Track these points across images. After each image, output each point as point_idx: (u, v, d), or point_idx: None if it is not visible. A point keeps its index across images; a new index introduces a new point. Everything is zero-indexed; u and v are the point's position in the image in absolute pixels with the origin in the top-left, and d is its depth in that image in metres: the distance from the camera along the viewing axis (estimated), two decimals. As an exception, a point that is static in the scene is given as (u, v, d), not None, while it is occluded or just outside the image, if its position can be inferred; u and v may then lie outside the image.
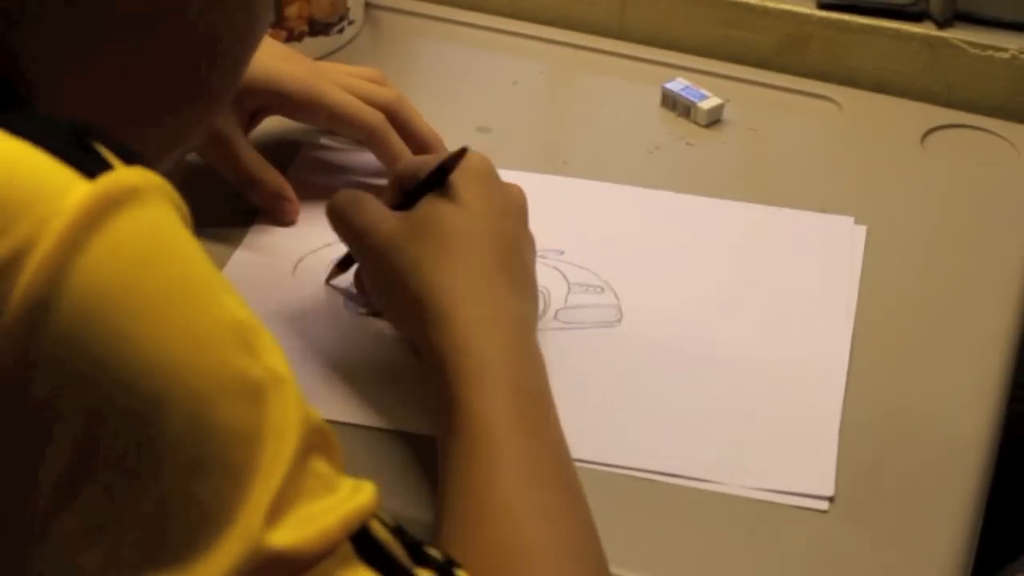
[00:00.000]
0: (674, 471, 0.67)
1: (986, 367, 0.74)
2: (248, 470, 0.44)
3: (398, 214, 0.69)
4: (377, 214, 0.69)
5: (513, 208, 0.71)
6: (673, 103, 0.95)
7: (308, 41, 0.98)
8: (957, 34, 0.97)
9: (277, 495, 0.44)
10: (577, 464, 0.63)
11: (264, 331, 0.47)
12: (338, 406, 0.69)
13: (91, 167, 0.43)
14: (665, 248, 0.82)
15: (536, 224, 0.82)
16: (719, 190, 0.88)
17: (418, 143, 0.84)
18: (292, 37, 0.97)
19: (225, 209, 0.83)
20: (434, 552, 0.50)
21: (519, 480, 0.57)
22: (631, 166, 0.89)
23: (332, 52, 1.00)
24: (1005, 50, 0.96)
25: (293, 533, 0.44)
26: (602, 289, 0.78)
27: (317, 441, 0.46)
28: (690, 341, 0.75)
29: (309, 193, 0.84)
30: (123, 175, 0.44)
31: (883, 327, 0.76)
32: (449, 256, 0.66)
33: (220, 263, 0.80)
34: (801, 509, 0.65)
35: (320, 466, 0.45)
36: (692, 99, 0.94)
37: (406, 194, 0.71)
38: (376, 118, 0.83)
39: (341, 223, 0.71)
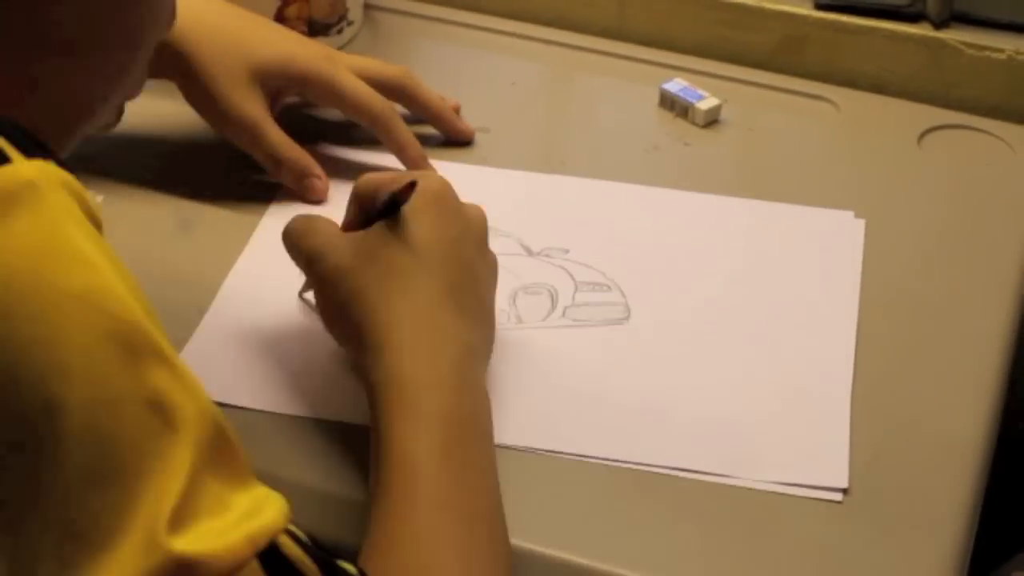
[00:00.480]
0: (688, 466, 0.67)
1: (983, 366, 0.75)
2: (145, 479, 0.43)
3: (349, 240, 0.67)
4: (328, 240, 0.68)
5: (471, 233, 0.68)
6: (671, 103, 0.95)
7: (307, 42, 0.98)
8: (954, 35, 0.97)
9: (178, 504, 0.43)
10: (590, 460, 0.65)
11: (163, 337, 0.46)
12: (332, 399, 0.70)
13: None
14: (669, 245, 0.82)
15: (541, 223, 0.82)
16: (717, 190, 0.88)
17: (431, 114, 0.88)
18: (291, 38, 0.97)
19: (243, 189, 0.85)
20: (349, 568, 0.50)
21: (434, 511, 0.57)
22: (629, 166, 0.90)
23: (331, 53, 1.00)
24: (1002, 51, 0.96)
25: (199, 543, 0.43)
26: (609, 287, 0.78)
27: (216, 452, 0.45)
28: (698, 336, 0.75)
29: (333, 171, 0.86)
30: (19, 170, 0.43)
31: (882, 327, 0.77)
32: (391, 285, 0.64)
33: (242, 240, 0.82)
34: (801, 507, 0.65)
35: (214, 484, 0.45)
36: (690, 99, 0.94)
37: (363, 218, 0.69)
38: (383, 106, 0.84)
39: (294, 248, 0.70)
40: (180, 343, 0.74)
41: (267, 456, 0.65)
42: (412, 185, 0.66)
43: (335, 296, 0.66)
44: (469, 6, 1.08)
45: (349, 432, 0.68)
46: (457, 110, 0.91)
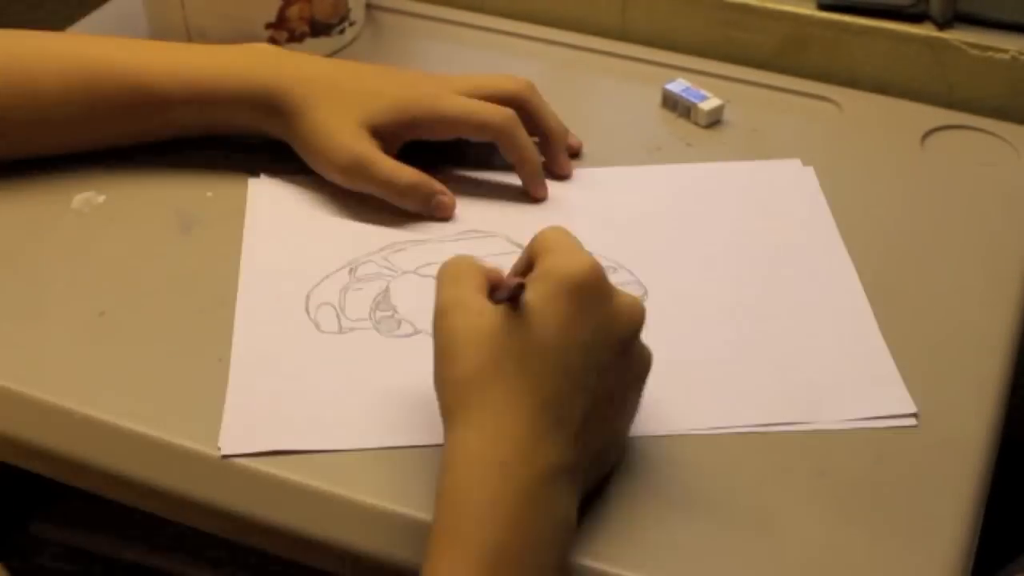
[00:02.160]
0: (760, 421, 0.69)
1: (987, 367, 0.74)
2: None
3: (473, 312, 0.60)
4: (458, 299, 0.61)
5: (613, 334, 0.60)
6: (674, 104, 0.95)
7: (309, 42, 0.98)
8: (957, 35, 0.97)
9: None
10: (659, 436, 0.67)
11: None
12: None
13: None
14: (646, 222, 0.84)
15: (529, 217, 0.83)
16: (719, 191, 0.88)
17: (542, 137, 0.86)
18: (293, 38, 0.97)
19: (244, 189, 0.84)
20: None
21: None
22: (631, 166, 0.89)
23: (333, 53, 1.00)
24: (1005, 51, 0.96)
25: None
26: (615, 269, 0.79)
27: None
28: (718, 300, 0.77)
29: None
30: None
31: (883, 327, 0.76)
32: (492, 384, 0.58)
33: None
34: (802, 508, 0.65)
35: None
36: (693, 100, 0.94)
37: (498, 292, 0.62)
38: (499, 116, 0.83)
39: (437, 292, 0.63)
40: (180, 343, 0.74)
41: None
42: (521, 286, 0.59)
43: (443, 373, 0.60)
44: (471, 6, 1.08)
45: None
46: (577, 149, 0.89)
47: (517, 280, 0.59)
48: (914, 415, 0.70)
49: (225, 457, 0.66)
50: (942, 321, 0.77)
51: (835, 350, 0.74)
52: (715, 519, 0.65)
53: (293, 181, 0.85)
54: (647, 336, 0.64)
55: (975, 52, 0.96)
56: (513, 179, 0.86)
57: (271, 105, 0.83)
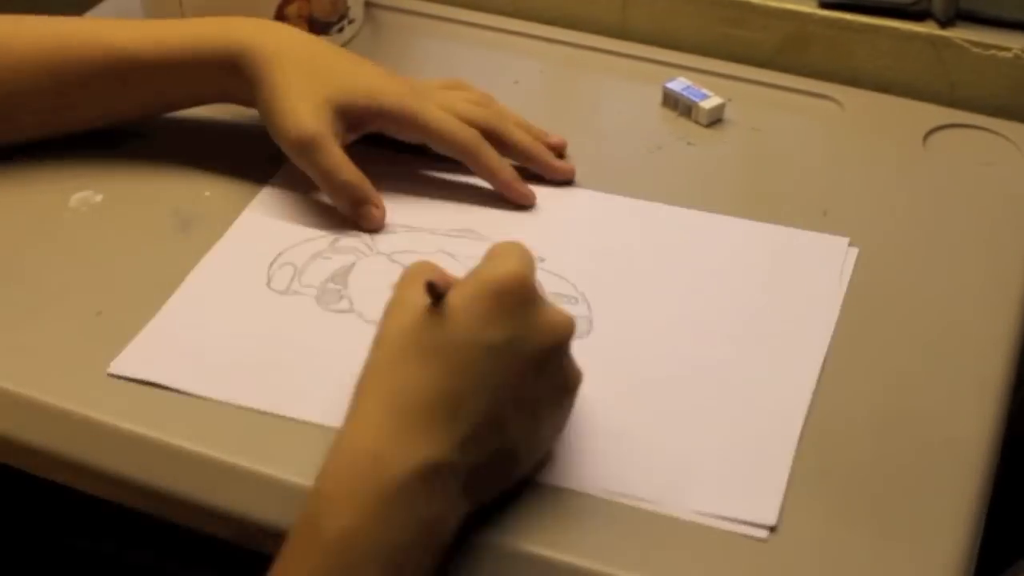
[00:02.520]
0: (624, 491, 0.65)
1: (988, 367, 0.74)
2: None
3: (411, 312, 0.60)
4: (407, 300, 0.61)
5: (526, 345, 0.60)
6: (674, 103, 0.95)
7: (308, 40, 0.98)
8: (960, 33, 0.97)
9: None
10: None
11: None
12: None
13: None
14: (644, 262, 0.80)
15: (518, 231, 0.82)
16: (720, 190, 0.88)
17: (523, 157, 0.86)
18: (292, 36, 0.97)
19: (244, 189, 0.85)
20: None
21: None
22: (632, 166, 0.89)
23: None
24: (1008, 49, 0.96)
25: None
26: (576, 300, 0.76)
27: None
28: (655, 357, 0.73)
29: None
30: None
31: (884, 327, 0.76)
32: (391, 376, 0.59)
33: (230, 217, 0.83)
34: (803, 509, 0.65)
35: None
36: (693, 98, 0.94)
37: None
38: (468, 136, 0.83)
39: (395, 289, 0.63)
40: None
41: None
42: (439, 296, 0.59)
43: (366, 360, 0.61)
44: (471, 4, 1.07)
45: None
46: (560, 147, 0.88)
47: (437, 294, 0.59)
48: (770, 528, 0.64)
49: (111, 375, 0.70)
50: (943, 320, 0.77)
51: (740, 439, 0.68)
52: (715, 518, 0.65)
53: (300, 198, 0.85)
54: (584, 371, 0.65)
55: (977, 50, 0.96)
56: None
57: (239, 66, 0.81)
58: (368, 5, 1.06)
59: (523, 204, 0.84)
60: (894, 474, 0.67)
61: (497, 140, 0.85)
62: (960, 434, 0.70)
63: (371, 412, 0.58)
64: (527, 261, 0.61)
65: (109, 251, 0.80)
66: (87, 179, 0.85)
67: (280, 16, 0.96)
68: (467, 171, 0.85)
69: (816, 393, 0.71)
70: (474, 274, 0.60)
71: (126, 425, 0.68)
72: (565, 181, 0.87)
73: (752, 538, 0.64)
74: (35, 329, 0.74)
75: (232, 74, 0.82)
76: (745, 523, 0.64)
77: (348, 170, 0.80)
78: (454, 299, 0.59)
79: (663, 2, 1.03)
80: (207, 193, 0.85)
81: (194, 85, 0.84)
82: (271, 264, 0.78)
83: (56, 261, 0.79)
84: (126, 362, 0.71)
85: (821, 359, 0.73)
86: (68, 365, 0.72)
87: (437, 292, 0.59)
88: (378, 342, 0.61)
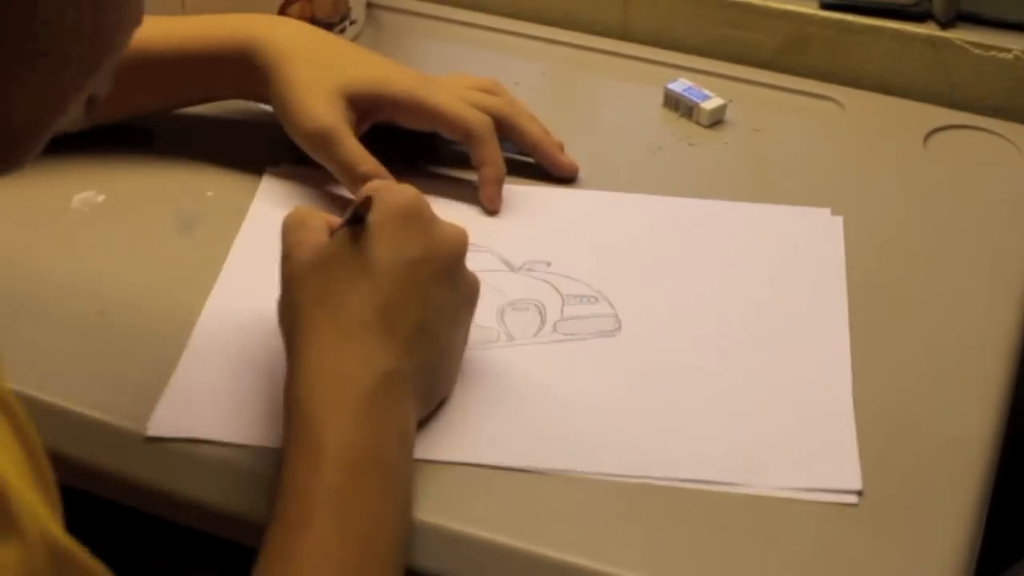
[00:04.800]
0: (698, 477, 0.66)
1: (989, 367, 0.74)
2: None
3: (314, 246, 0.65)
4: (303, 240, 0.66)
5: (435, 257, 0.65)
6: (676, 103, 0.95)
7: (310, 41, 0.98)
8: (960, 34, 0.97)
9: None
10: (596, 477, 0.65)
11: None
12: None
13: None
14: (651, 253, 0.81)
15: (519, 236, 0.82)
16: (721, 191, 0.88)
17: (530, 147, 0.86)
18: (294, 37, 0.97)
19: (244, 188, 0.85)
20: None
21: (323, 552, 0.56)
22: (633, 167, 0.89)
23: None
24: (1008, 50, 0.96)
25: None
26: (596, 299, 0.77)
27: None
28: (691, 345, 0.74)
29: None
30: None
31: (885, 327, 0.76)
32: (326, 302, 0.63)
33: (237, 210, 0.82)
34: (803, 510, 0.65)
35: None
36: (695, 99, 0.94)
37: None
38: (477, 121, 0.83)
39: (282, 240, 0.68)
40: (180, 343, 0.73)
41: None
42: (367, 201, 0.64)
43: (283, 302, 0.65)
44: (472, 5, 1.08)
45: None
46: (560, 147, 0.88)
47: (363, 198, 0.64)
48: (858, 492, 0.66)
49: (149, 440, 0.67)
50: (944, 321, 0.77)
51: (799, 413, 0.70)
52: (718, 521, 0.65)
53: (304, 176, 0.85)
54: (617, 371, 0.70)
55: (978, 51, 0.96)
56: (515, 198, 0.85)
57: (252, 61, 0.82)
58: (370, 6, 1.06)
59: (489, 208, 0.84)
60: (894, 473, 0.67)
61: (508, 129, 0.85)
62: (960, 434, 0.70)
63: (321, 338, 0.62)
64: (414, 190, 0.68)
65: (112, 251, 0.80)
66: (89, 179, 0.85)
67: (281, 16, 0.96)
68: (467, 186, 0.85)
69: (817, 393, 0.72)
70: (377, 202, 0.65)
71: (126, 425, 0.68)
72: (567, 179, 0.87)
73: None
74: (38, 328, 0.74)
75: (246, 71, 0.83)
76: (833, 491, 0.65)
77: (366, 160, 0.81)
78: (369, 224, 0.64)
79: (664, 3, 1.03)
80: (209, 193, 0.85)
81: (209, 83, 0.85)
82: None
83: (59, 261, 0.79)
84: (162, 421, 0.68)
85: (846, 321, 0.75)
86: (71, 365, 0.72)
87: (359, 216, 0.64)
88: (289, 284, 0.65)
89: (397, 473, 0.61)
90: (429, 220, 0.66)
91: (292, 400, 0.61)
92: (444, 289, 0.66)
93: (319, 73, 0.81)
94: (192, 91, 0.87)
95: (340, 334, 0.62)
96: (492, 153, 0.84)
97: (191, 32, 0.84)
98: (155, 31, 0.83)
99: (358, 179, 0.80)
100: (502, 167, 0.84)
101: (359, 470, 0.59)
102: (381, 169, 0.81)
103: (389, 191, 0.66)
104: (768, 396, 0.71)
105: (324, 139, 0.80)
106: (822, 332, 0.75)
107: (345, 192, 0.83)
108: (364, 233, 0.64)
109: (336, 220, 0.67)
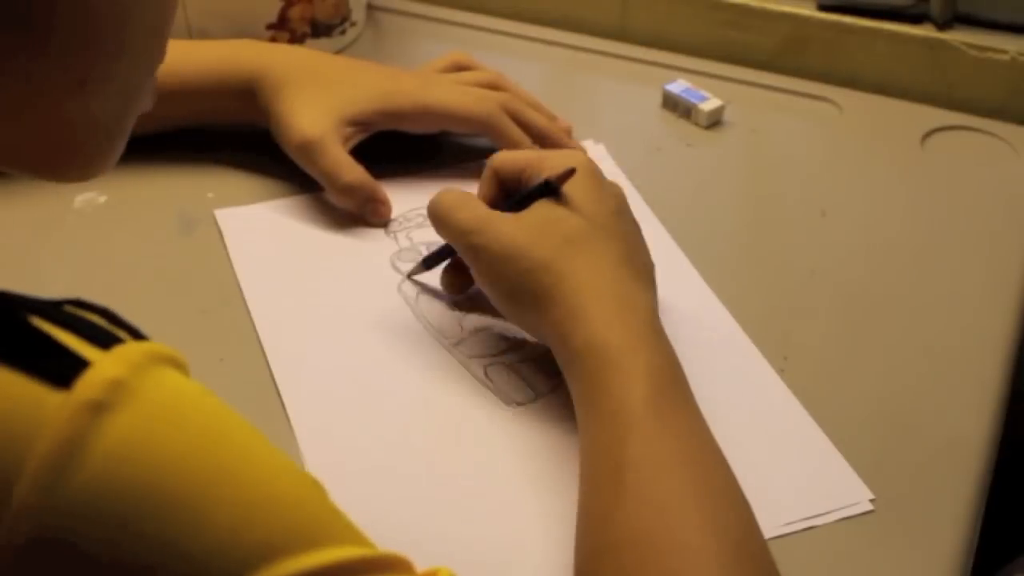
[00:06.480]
0: None
1: (986, 368, 0.74)
2: None
3: (511, 217, 0.69)
4: (485, 215, 0.69)
5: (624, 205, 0.72)
6: (674, 105, 0.95)
7: (310, 42, 0.99)
8: (957, 36, 0.97)
9: None
10: None
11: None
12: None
13: (61, 370, 0.39)
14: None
15: None
16: (720, 191, 0.88)
17: (534, 137, 0.87)
18: (294, 38, 0.98)
19: (244, 188, 0.84)
20: None
21: (656, 466, 0.58)
22: (632, 167, 0.90)
23: (334, 53, 1.00)
24: (1005, 52, 0.96)
25: None
26: None
27: None
28: None
29: None
30: (101, 372, 0.39)
31: (883, 328, 0.77)
32: (576, 255, 0.67)
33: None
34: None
35: None
36: (693, 100, 0.94)
37: (512, 198, 0.72)
38: (486, 109, 0.84)
39: (442, 222, 0.71)
40: (181, 343, 0.73)
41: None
42: (570, 172, 0.69)
43: (509, 269, 0.68)
44: (472, 7, 1.08)
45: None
46: (568, 132, 0.89)
47: (567, 169, 0.69)
48: (870, 499, 0.66)
49: None
50: (942, 321, 0.78)
51: (774, 449, 0.68)
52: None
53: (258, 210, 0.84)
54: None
55: (974, 53, 0.97)
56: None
57: (251, 91, 0.84)
58: (370, 8, 1.07)
59: None
60: (894, 474, 0.67)
61: (514, 119, 0.86)
62: (960, 434, 0.70)
63: (592, 284, 0.66)
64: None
65: (113, 252, 0.80)
66: (91, 180, 0.85)
67: (283, 18, 0.96)
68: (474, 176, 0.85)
69: (816, 393, 0.72)
70: (562, 167, 0.69)
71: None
72: None
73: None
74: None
75: (247, 99, 0.84)
76: (846, 507, 0.65)
77: (350, 171, 0.81)
78: (567, 188, 0.69)
79: (663, 5, 1.04)
80: (210, 194, 0.85)
81: (209, 109, 0.86)
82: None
83: (60, 262, 0.79)
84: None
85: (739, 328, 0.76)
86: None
87: (553, 187, 0.69)
88: (509, 251, 0.68)
89: (689, 388, 0.64)
90: (603, 177, 0.72)
91: (585, 341, 0.64)
92: (632, 219, 0.72)
93: (314, 93, 0.82)
94: (192, 119, 0.87)
95: (602, 282, 0.66)
96: (514, 135, 0.85)
97: (194, 65, 0.84)
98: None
99: (342, 189, 0.81)
100: (530, 143, 0.85)
101: (667, 385, 0.62)
102: (367, 178, 0.82)
103: (562, 155, 0.73)
104: (738, 442, 0.65)
105: (309, 150, 0.81)
106: (753, 379, 0.73)
107: (304, 226, 0.83)
108: (566, 198, 0.69)
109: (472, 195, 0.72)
